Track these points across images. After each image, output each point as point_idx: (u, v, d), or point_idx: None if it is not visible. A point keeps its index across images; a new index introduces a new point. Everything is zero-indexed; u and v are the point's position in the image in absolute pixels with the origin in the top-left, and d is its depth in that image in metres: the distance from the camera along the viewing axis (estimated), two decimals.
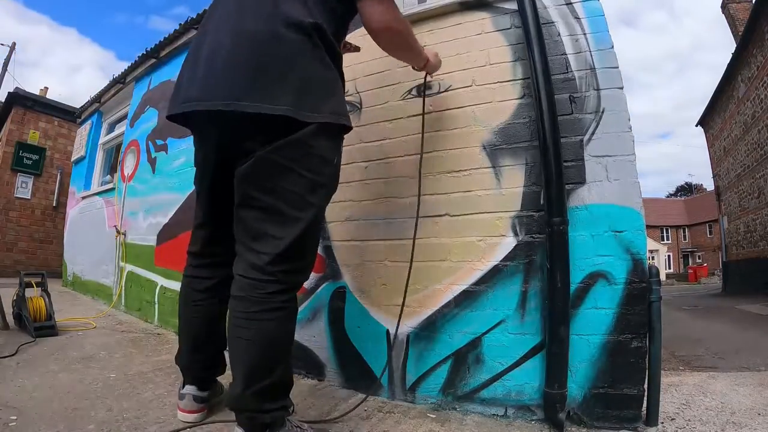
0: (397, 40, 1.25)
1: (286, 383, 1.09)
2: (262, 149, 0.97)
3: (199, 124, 1.10)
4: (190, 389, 1.28)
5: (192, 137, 1.22)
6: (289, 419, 1.10)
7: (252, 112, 0.93)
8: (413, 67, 1.56)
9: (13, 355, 1.94)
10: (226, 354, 1.21)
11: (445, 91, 1.72)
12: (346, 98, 1.94)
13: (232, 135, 1.01)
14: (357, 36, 2.01)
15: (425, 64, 1.47)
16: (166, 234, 3.10)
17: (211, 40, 1.04)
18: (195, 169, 1.23)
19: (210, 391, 1.34)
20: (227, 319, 1.09)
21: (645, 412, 1.32)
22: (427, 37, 1.81)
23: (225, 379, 1.32)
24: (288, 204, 0.99)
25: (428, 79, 1.68)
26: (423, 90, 1.71)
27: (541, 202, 1.47)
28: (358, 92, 1.93)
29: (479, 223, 1.57)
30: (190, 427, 1.24)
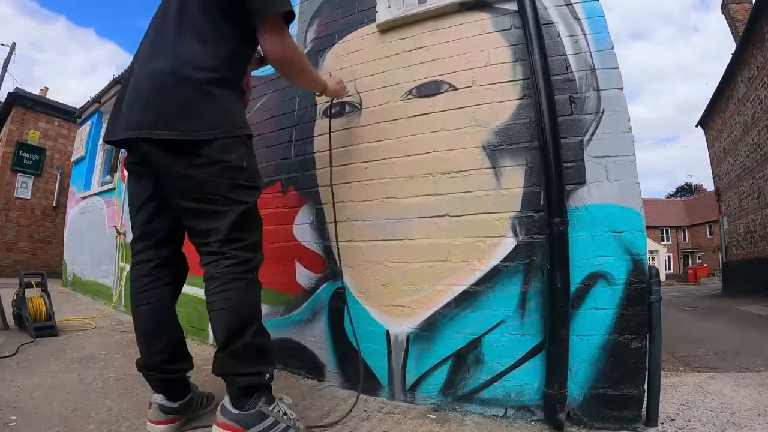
0: (293, 68, 1.43)
1: (261, 349, 1.19)
2: (183, 169, 1.14)
3: (132, 147, 1.24)
4: (157, 398, 1.23)
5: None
6: (285, 410, 1.17)
7: (165, 138, 1.11)
8: (315, 94, 1.80)
9: (13, 355, 1.94)
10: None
11: (445, 92, 1.72)
12: (347, 99, 1.95)
13: (155, 158, 1.17)
14: (356, 37, 2.02)
15: (324, 89, 1.65)
16: None
17: (136, 72, 1.23)
18: (128, 173, 1.35)
19: (182, 402, 1.27)
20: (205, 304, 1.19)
21: (645, 412, 1.32)
22: (427, 37, 1.81)
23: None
24: (217, 204, 1.17)
25: (334, 101, 1.90)
26: (329, 112, 1.93)
27: (541, 202, 1.47)
28: (358, 93, 1.94)
29: (479, 224, 1.57)
30: None
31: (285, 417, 1.15)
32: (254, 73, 2.30)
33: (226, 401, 1.13)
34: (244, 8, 1.21)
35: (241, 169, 1.20)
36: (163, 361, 1.24)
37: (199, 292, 2.66)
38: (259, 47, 1.35)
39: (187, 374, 1.33)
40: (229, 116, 1.20)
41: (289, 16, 1.26)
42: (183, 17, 1.20)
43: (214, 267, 1.17)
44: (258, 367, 1.15)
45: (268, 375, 1.17)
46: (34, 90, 10.08)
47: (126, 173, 1.37)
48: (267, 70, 2.36)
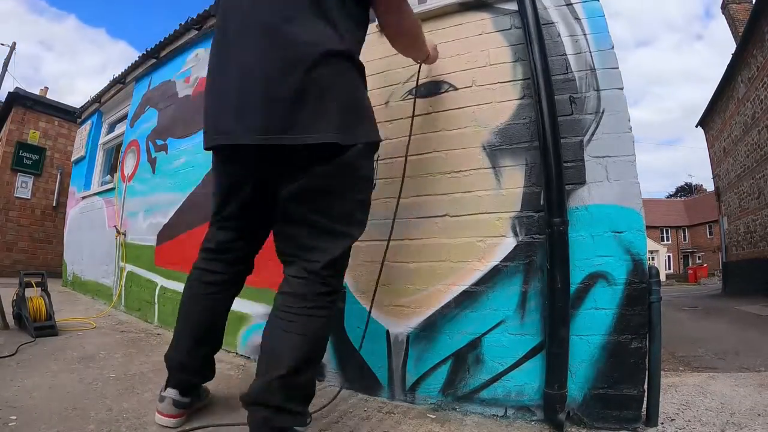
0: (415, 38, 1.37)
1: (310, 388, 1.07)
2: (310, 175, 1.00)
3: (238, 154, 1.08)
4: (171, 392, 1.23)
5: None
6: None
7: (291, 144, 0.96)
8: (414, 60, 1.62)
9: (12, 355, 1.94)
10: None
11: (445, 92, 1.72)
12: None
13: (274, 165, 1.03)
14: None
15: (426, 57, 1.57)
16: (166, 234, 3.10)
17: (238, 61, 1.02)
18: (217, 179, 1.24)
19: (192, 396, 1.29)
20: (270, 314, 1.08)
21: (645, 412, 1.32)
22: (427, 37, 1.81)
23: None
24: (339, 222, 1.05)
25: (422, 76, 1.74)
26: (415, 91, 1.75)
27: (541, 202, 1.47)
28: None
29: (479, 224, 1.57)
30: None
31: None
32: None
33: None
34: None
35: (371, 182, 1.10)
36: (201, 365, 1.27)
37: None
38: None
39: None
40: (369, 117, 1.08)
41: None
42: None
43: (306, 286, 1.04)
44: (302, 408, 1.05)
45: (309, 419, 1.08)
46: (42, 88, 10.09)
47: (221, 179, 1.22)
48: None
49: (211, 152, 1.21)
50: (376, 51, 1.92)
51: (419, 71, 1.71)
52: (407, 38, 1.37)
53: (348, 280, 1.80)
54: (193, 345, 1.26)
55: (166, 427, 1.22)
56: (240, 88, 1.00)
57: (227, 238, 1.25)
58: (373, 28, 1.94)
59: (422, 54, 1.53)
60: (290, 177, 1.02)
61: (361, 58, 1.93)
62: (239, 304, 2.17)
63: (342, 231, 1.06)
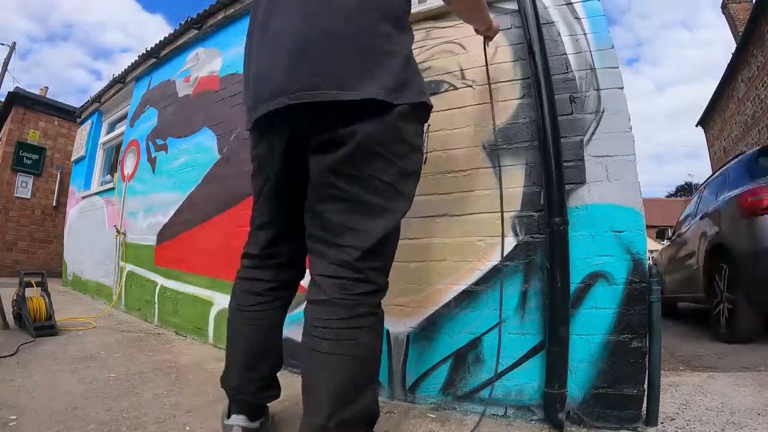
0: (473, 3, 1.24)
1: (372, 409, 0.87)
2: (346, 136, 0.83)
3: (275, 117, 0.90)
4: (238, 419, 1.05)
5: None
6: None
7: (339, 100, 0.81)
8: (476, 30, 1.48)
9: (13, 354, 1.94)
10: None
11: (445, 91, 1.72)
12: None
13: (310, 125, 0.87)
14: None
15: (489, 27, 1.41)
16: (166, 234, 3.10)
17: (280, 17, 0.91)
18: (254, 165, 1.07)
19: (261, 419, 1.11)
20: (303, 332, 0.89)
21: (645, 412, 1.32)
22: (426, 36, 1.81)
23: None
24: (376, 194, 0.86)
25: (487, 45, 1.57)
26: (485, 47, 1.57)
27: (541, 202, 1.47)
28: None
29: (479, 223, 1.57)
30: None
31: None
32: None
33: None
34: None
35: (417, 150, 0.93)
36: (259, 387, 1.08)
37: (199, 291, 2.68)
38: None
39: None
40: (418, 74, 0.93)
41: None
42: None
43: (341, 289, 0.85)
44: (370, 429, 0.88)
45: None
46: (41, 87, 10.07)
47: (260, 180, 1.06)
48: None
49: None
50: None
51: (485, 45, 1.55)
52: (466, 5, 1.26)
53: None
54: (247, 367, 1.07)
55: None
56: (282, 44, 0.87)
57: (270, 238, 1.08)
58: None
59: (485, 22, 1.37)
60: (324, 145, 0.86)
61: None
62: None
63: (379, 204, 0.86)
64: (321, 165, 0.87)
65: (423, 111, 0.94)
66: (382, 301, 0.94)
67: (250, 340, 1.07)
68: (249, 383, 1.07)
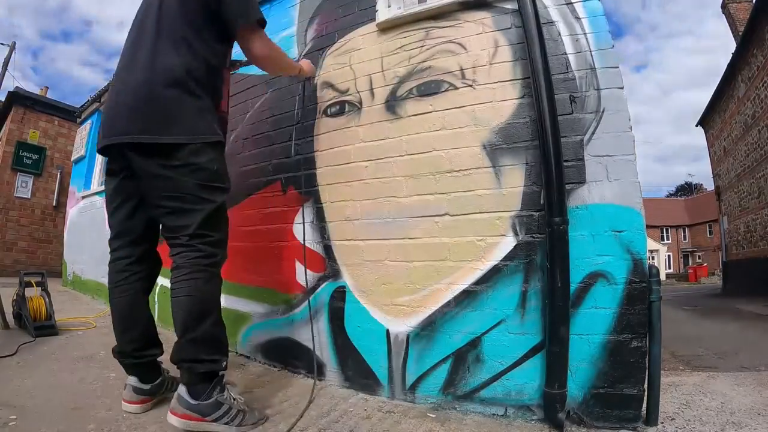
0: (275, 63, 1.62)
1: (217, 339, 1.29)
2: (158, 170, 1.25)
3: (114, 153, 1.36)
4: (131, 380, 1.36)
5: None
6: (235, 396, 1.30)
7: (144, 143, 1.23)
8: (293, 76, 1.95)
9: (13, 354, 1.94)
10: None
11: (445, 91, 1.72)
12: (347, 98, 1.95)
13: (135, 161, 1.28)
14: (357, 36, 2.01)
15: (300, 70, 1.81)
16: None
17: (116, 84, 1.35)
18: (106, 177, 1.45)
19: (153, 384, 1.40)
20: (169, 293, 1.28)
21: (645, 412, 1.32)
22: (427, 36, 1.81)
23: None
24: (187, 202, 1.27)
25: (309, 81, 2.05)
26: (304, 85, 2.08)
27: (541, 201, 1.47)
28: (358, 92, 1.93)
29: (479, 223, 1.57)
30: None
31: (236, 402, 1.27)
32: (255, 72, 2.30)
33: (182, 391, 1.22)
34: (221, 18, 1.34)
35: (210, 171, 1.30)
36: (135, 348, 1.37)
37: None
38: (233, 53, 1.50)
39: (158, 359, 1.44)
40: (201, 123, 1.29)
41: (263, 22, 1.42)
42: (160, 27, 1.29)
43: (181, 258, 1.27)
44: (214, 356, 1.26)
45: (224, 363, 1.29)
46: (41, 87, 10.07)
47: (104, 178, 1.47)
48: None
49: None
50: (376, 50, 1.92)
51: (303, 86, 2.05)
52: (271, 68, 1.68)
53: (348, 279, 1.80)
54: (123, 331, 1.38)
55: (131, 413, 1.33)
56: (115, 101, 1.32)
57: (119, 219, 1.41)
58: (371, 27, 1.95)
59: (294, 71, 1.78)
60: (148, 176, 1.28)
61: (360, 57, 1.95)
62: (238, 303, 2.18)
63: (191, 208, 1.27)
64: (147, 189, 1.30)
65: (210, 146, 1.31)
66: (218, 263, 1.35)
67: (120, 308, 1.39)
68: (126, 344, 1.37)
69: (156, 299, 3.04)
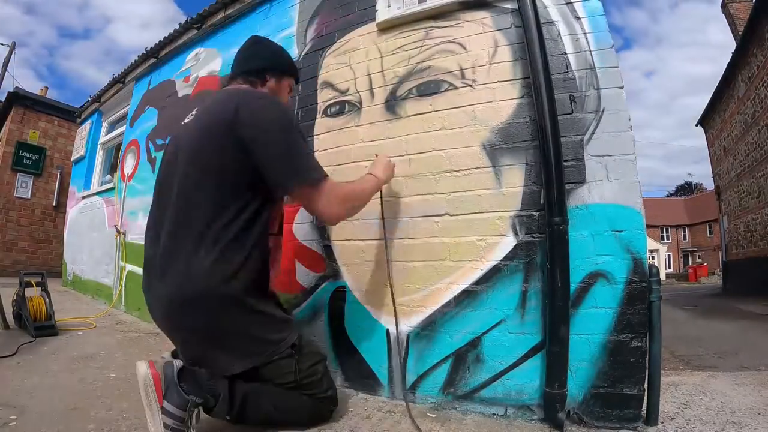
0: (357, 209, 1.39)
1: None
2: None
3: None
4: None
5: None
6: None
7: None
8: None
9: (13, 354, 1.94)
10: None
11: (445, 91, 1.72)
12: (347, 98, 1.95)
13: None
14: (356, 36, 2.01)
15: (384, 182, 1.56)
16: None
17: (151, 290, 1.22)
18: None
19: None
20: None
21: (645, 411, 1.32)
22: (426, 36, 1.81)
23: None
24: None
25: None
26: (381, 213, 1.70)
27: (541, 201, 1.47)
28: (357, 91, 1.93)
29: (479, 223, 1.57)
30: None
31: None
32: None
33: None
34: (268, 183, 1.17)
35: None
36: None
37: None
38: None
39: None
40: (264, 337, 1.19)
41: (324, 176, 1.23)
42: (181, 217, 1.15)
43: None
44: None
45: None
46: (41, 87, 10.06)
47: None
48: None
49: None
50: (376, 50, 1.92)
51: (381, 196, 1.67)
52: (351, 214, 1.40)
53: (348, 279, 1.80)
54: None
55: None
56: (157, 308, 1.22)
57: None
58: (371, 27, 1.95)
59: (379, 187, 1.53)
60: None
61: (359, 57, 1.95)
62: None
63: None
64: None
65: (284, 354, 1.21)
66: None
67: None
68: None
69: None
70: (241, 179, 1.14)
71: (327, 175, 1.24)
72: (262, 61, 1.39)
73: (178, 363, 1.14)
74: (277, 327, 1.23)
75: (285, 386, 1.21)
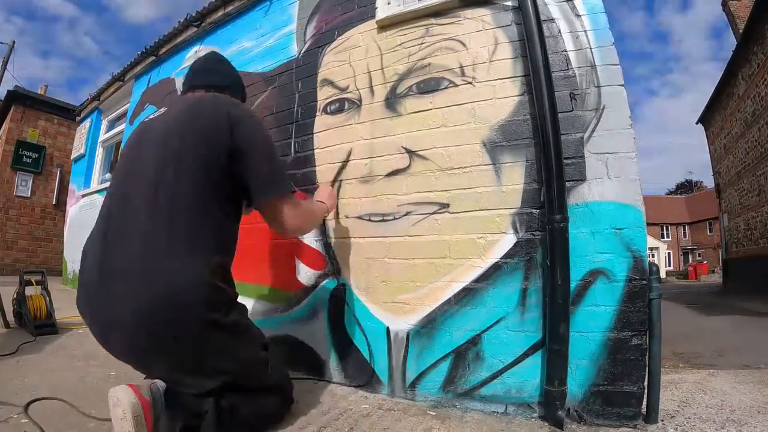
0: (311, 226, 1.62)
1: None
2: None
3: None
4: None
5: None
6: None
7: None
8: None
9: (13, 353, 1.94)
10: None
11: (445, 88, 1.72)
12: (347, 95, 1.95)
13: None
14: (356, 33, 2.01)
15: (328, 210, 1.66)
16: None
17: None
18: None
19: None
20: None
21: (645, 409, 1.32)
22: (426, 33, 1.80)
23: None
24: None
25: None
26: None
27: (542, 199, 1.47)
28: (357, 89, 1.93)
29: (479, 220, 1.56)
30: None
31: None
32: (254, 69, 2.29)
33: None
34: (244, 195, 1.22)
35: None
36: None
37: None
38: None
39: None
40: (241, 359, 1.17)
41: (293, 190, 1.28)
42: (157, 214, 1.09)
43: None
44: None
45: None
46: (42, 86, 10.06)
47: None
48: (265, 66, 2.36)
49: None
50: (375, 47, 1.92)
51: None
52: (304, 231, 1.63)
53: (348, 277, 1.80)
54: None
55: None
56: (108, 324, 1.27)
57: None
58: (371, 24, 1.94)
59: (324, 215, 1.66)
60: None
61: (359, 54, 1.94)
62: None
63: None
64: None
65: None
66: None
67: None
68: None
69: None
70: (222, 186, 1.17)
71: (296, 190, 1.31)
72: (227, 79, 1.46)
73: (161, 384, 1.09)
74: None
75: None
